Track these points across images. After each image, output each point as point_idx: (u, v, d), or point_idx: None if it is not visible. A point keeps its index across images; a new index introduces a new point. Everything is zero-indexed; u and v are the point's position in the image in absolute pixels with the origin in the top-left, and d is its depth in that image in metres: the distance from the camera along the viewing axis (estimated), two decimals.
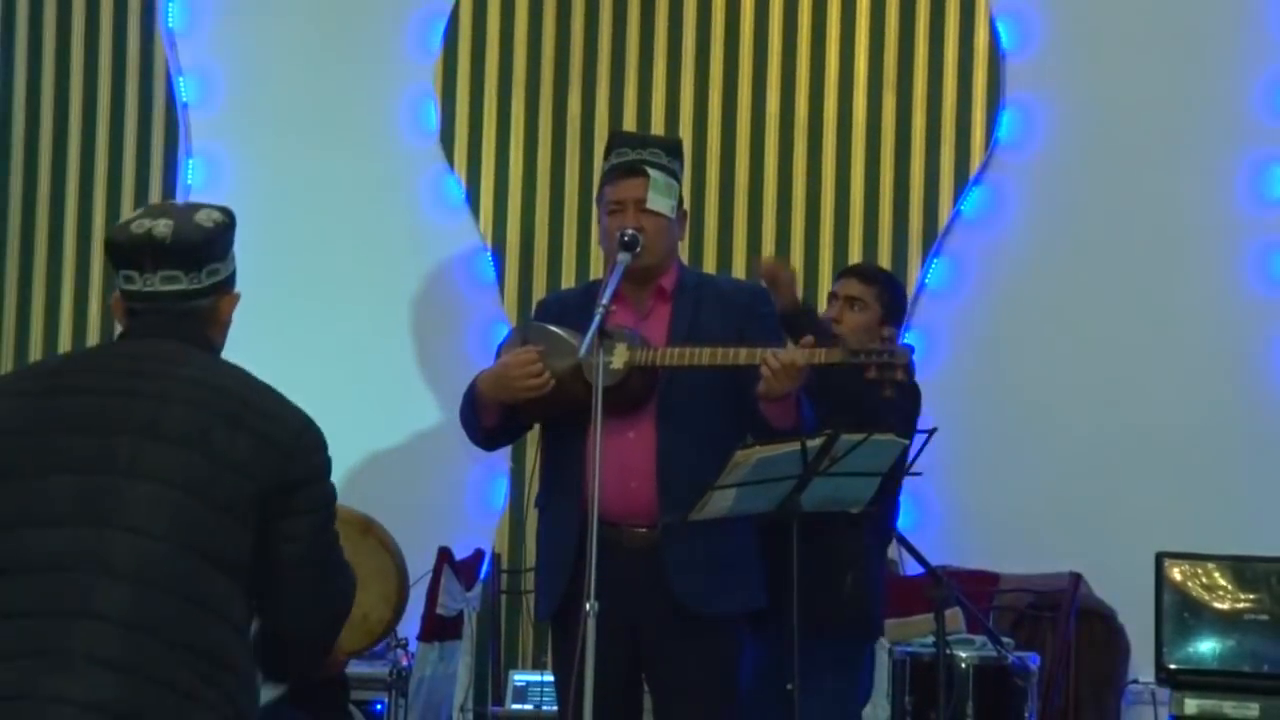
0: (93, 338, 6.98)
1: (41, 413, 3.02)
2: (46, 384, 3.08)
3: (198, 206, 3.29)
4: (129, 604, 2.86)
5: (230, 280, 3.27)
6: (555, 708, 5.94)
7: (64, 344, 6.98)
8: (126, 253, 3.19)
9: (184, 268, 3.20)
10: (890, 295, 5.08)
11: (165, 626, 2.88)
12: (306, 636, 3.16)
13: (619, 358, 4.30)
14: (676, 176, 4.53)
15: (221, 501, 2.95)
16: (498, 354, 4.56)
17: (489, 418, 4.47)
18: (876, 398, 4.37)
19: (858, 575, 4.63)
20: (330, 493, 3.13)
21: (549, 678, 6.08)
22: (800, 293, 4.97)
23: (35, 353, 6.96)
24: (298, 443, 3.05)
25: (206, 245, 3.21)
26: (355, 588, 3.24)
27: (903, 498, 6.27)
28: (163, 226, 3.19)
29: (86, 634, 2.84)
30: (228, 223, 3.28)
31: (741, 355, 4.27)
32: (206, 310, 3.22)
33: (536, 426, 4.68)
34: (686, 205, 4.75)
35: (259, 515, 2.99)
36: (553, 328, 4.44)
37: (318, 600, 3.11)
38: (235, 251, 3.29)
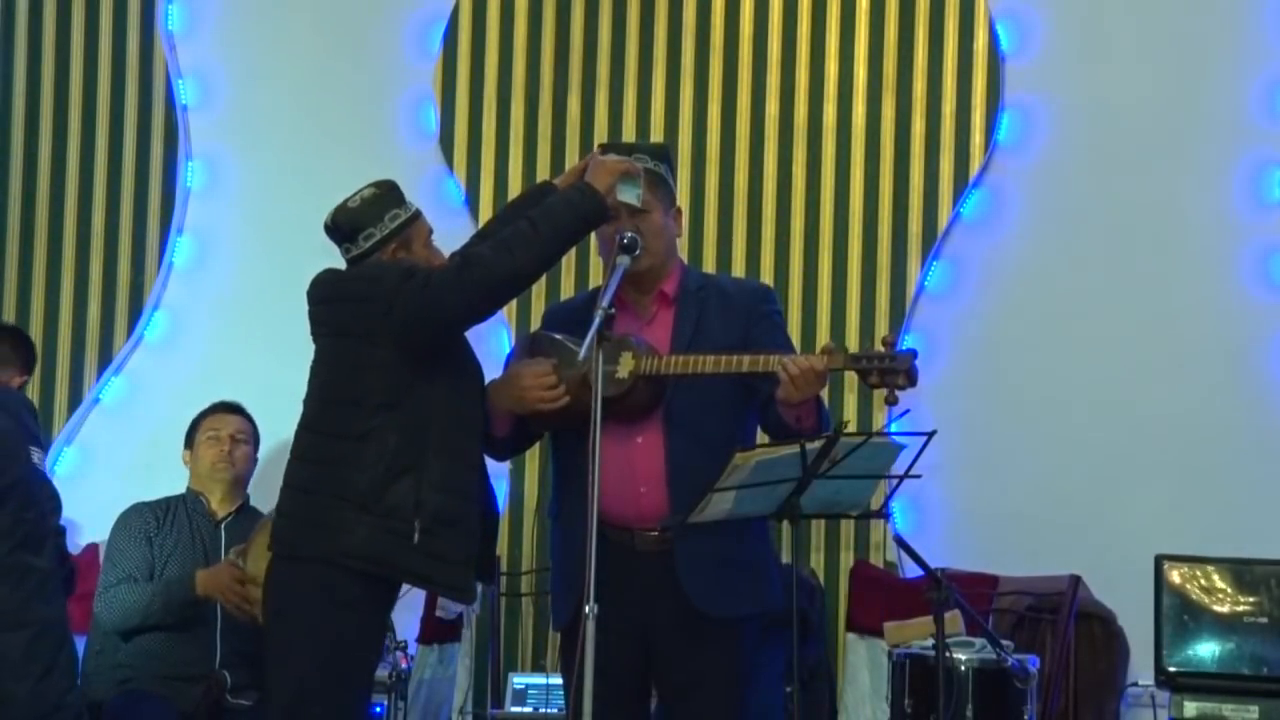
0: (92, 338, 6.97)
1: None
2: None
3: (360, 190, 4.42)
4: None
5: (391, 235, 4.39)
6: (554, 710, 5.95)
7: (63, 344, 6.98)
8: (329, 236, 4.46)
9: (348, 239, 4.43)
10: None
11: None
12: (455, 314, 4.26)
13: (624, 366, 4.29)
14: (665, 179, 4.53)
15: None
16: (506, 366, 4.55)
17: (500, 428, 4.45)
18: None
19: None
20: (378, 278, 4.26)
21: (549, 680, 6.07)
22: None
23: None
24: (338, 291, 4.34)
25: (352, 220, 4.40)
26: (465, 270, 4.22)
27: (904, 500, 6.30)
28: (328, 215, 4.43)
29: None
30: (377, 193, 4.41)
31: (745, 363, 4.26)
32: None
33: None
34: (686, 210, 4.74)
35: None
36: (560, 337, 4.43)
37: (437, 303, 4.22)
38: (401, 209, 4.41)
